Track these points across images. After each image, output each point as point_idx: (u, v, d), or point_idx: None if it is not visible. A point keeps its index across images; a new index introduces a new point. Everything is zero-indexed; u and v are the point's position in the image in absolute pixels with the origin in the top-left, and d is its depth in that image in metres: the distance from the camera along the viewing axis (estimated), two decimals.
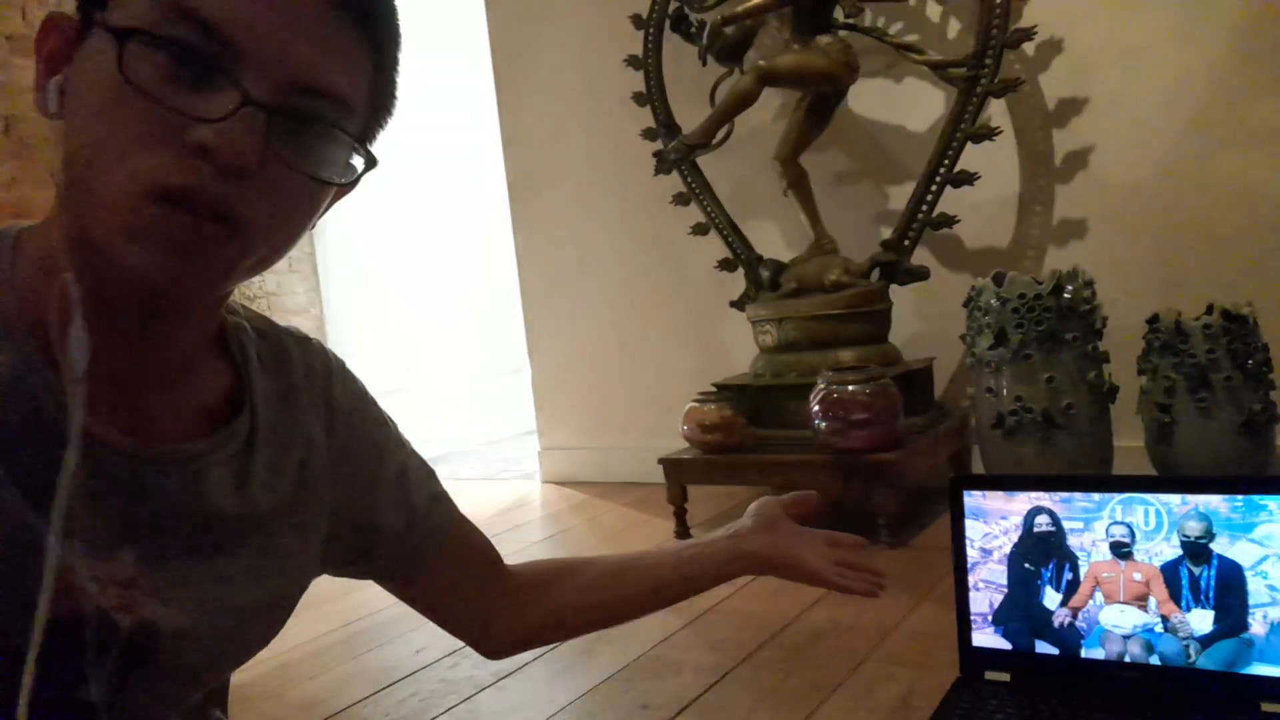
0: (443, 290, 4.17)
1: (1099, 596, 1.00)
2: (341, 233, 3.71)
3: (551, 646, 1.44)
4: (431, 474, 0.78)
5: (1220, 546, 0.95)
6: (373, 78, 0.55)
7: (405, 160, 3.97)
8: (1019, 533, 1.04)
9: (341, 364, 0.72)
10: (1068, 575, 1.02)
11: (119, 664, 0.53)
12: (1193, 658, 0.95)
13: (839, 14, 2.09)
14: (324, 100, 0.52)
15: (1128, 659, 0.98)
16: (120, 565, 0.53)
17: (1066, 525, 1.02)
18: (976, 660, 1.07)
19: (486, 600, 0.80)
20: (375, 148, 0.57)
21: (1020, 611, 1.04)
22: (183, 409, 0.58)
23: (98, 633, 0.52)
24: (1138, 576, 0.98)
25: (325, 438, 0.68)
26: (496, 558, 0.82)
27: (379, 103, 0.56)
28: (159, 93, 0.48)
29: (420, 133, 3.93)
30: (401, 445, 0.76)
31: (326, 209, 0.57)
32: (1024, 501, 1.04)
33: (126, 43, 0.47)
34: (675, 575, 0.85)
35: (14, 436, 0.50)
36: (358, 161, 0.55)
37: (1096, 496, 1.01)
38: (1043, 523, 1.03)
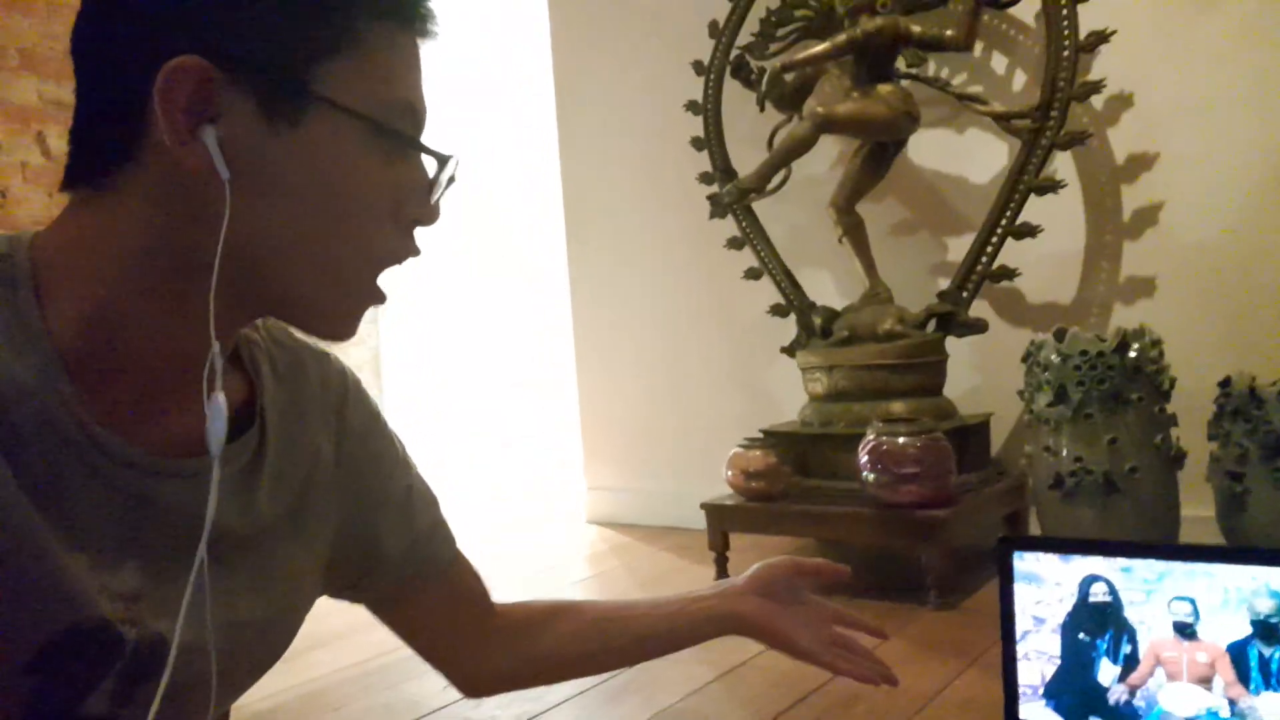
0: (499, 327, 4.22)
1: (1160, 674, 0.93)
2: (399, 271, 3.81)
3: (579, 690, 1.41)
4: (435, 500, 0.77)
5: None
6: None
7: (465, 198, 4.04)
8: (1074, 600, 0.97)
9: (357, 382, 0.72)
10: (1125, 649, 0.95)
11: (124, 678, 0.52)
12: None
13: (901, 64, 2.08)
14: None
15: None
16: (126, 577, 0.53)
17: (1126, 596, 0.96)
18: None
19: (473, 635, 0.78)
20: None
21: (1073, 685, 0.97)
22: (195, 421, 0.58)
23: (103, 646, 0.51)
24: (1202, 657, 0.91)
25: (334, 453, 0.67)
26: (487, 594, 0.80)
27: None
28: (391, 174, 0.55)
29: (482, 170, 4.00)
30: (409, 467, 0.75)
31: None
32: (1081, 567, 0.98)
33: (382, 131, 0.53)
34: (659, 630, 0.82)
35: (26, 445, 0.49)
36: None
37: (1159, 568, 0.94)
38: (1099, 591, 0.97)
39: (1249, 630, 0.89)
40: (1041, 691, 0.99)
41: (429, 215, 0.57)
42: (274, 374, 0.64)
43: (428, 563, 0.74)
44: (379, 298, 0.58)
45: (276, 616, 0.62)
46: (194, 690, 0.57)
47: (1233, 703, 0.89)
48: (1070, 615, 0.98)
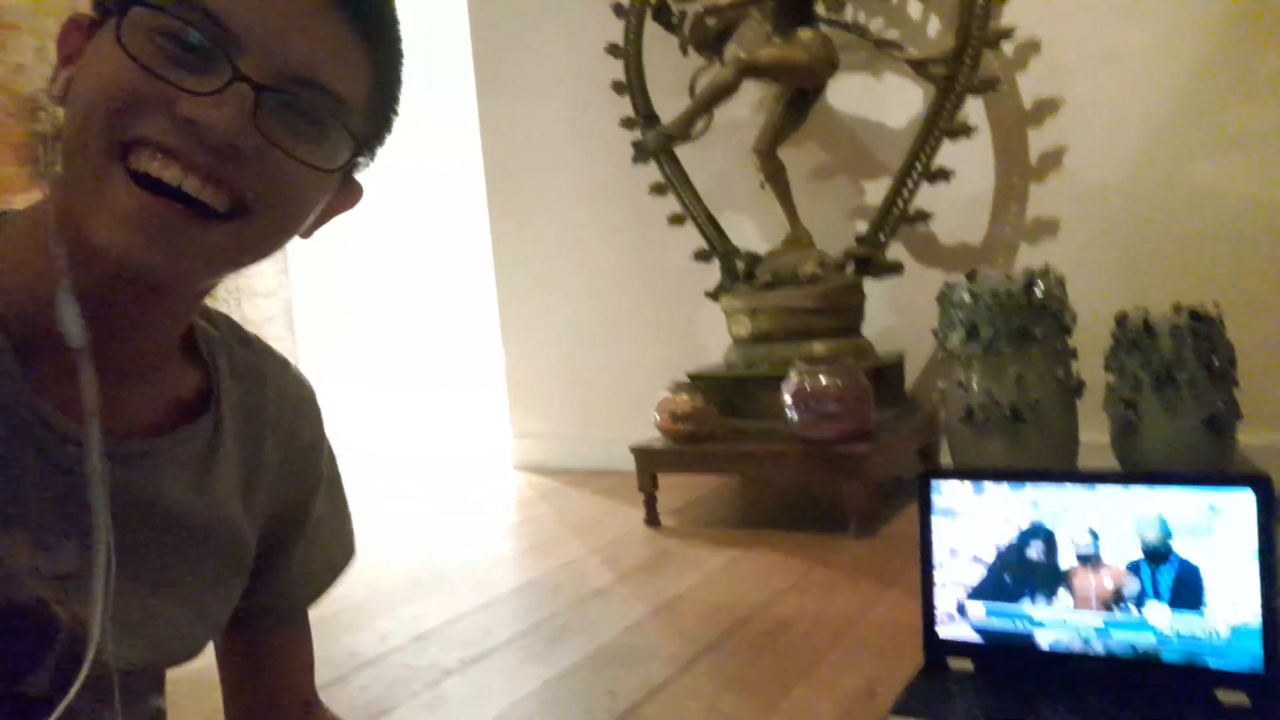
0: (415, 274, 4.15)
1: (1067, 593, 1.02)
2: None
3: (521, 631, 1.44)
4: (347, 548, 0.76)
5: (1180, 546, 0.97)
6: (372, 84, 0.55)
7: (382, 146, 3.92)
8: (1013, 533, 1.04)
9: (313, 395, 0.72)
10: (1043, 574, 1.03)
11: (63, 659, 0.52)
12: (1151, 651, 0.97)
13: (820, 9, 2.10)
14: (319, 93, 0.52)
15: (1089, 652, 1.00)
16: (63, 558, 0.52)
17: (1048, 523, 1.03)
18: (941, 649, 1.08)
19: (279, 709, 0.75)
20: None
21: (987, 602, 1.05)
22: (145, 404, 0.58)
23: (38, 626, 0.51)
24: (1106, 578, 1.00)
25: (278, 461, 0.68)
26: (312, 689, 0.78)
27: (379, 113, 0.58)
28: (156, 68, 0.49)
29: (397, 116, 3.89)
30: (336, 499, 0.75)
31: (322, 220, 0.58)
32: (993, 499, 1.05)
33: (127, 13, 0.49)
34: None
35: None
36: (351, 156, 0.56)
37: (1069, 495, 1.02)
38: (1036, 549, 1.03)
39: (1141, 550, 0.98)
40: (957, 611, 1.07)
41: (204, 116, 0.49)
42: (230, 369, 0.64)
43: (300, 598, 0.73)
44: (160, 213, 0.49)
45: (216, 599, 0.63)
46: (131, 667, 0.58)
47: (1128, 614, 0.98)
48: (1003, 551, 1.04)
